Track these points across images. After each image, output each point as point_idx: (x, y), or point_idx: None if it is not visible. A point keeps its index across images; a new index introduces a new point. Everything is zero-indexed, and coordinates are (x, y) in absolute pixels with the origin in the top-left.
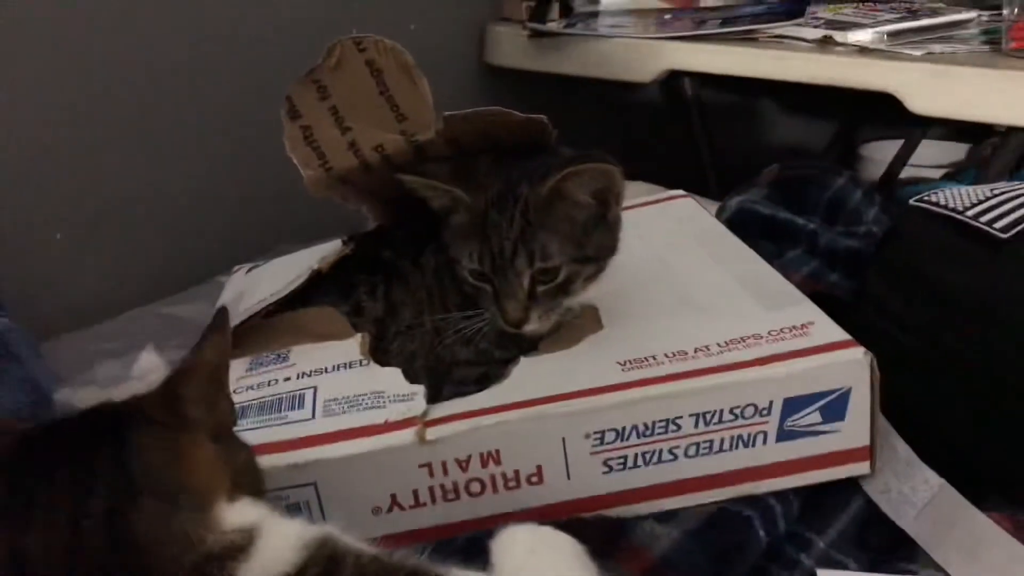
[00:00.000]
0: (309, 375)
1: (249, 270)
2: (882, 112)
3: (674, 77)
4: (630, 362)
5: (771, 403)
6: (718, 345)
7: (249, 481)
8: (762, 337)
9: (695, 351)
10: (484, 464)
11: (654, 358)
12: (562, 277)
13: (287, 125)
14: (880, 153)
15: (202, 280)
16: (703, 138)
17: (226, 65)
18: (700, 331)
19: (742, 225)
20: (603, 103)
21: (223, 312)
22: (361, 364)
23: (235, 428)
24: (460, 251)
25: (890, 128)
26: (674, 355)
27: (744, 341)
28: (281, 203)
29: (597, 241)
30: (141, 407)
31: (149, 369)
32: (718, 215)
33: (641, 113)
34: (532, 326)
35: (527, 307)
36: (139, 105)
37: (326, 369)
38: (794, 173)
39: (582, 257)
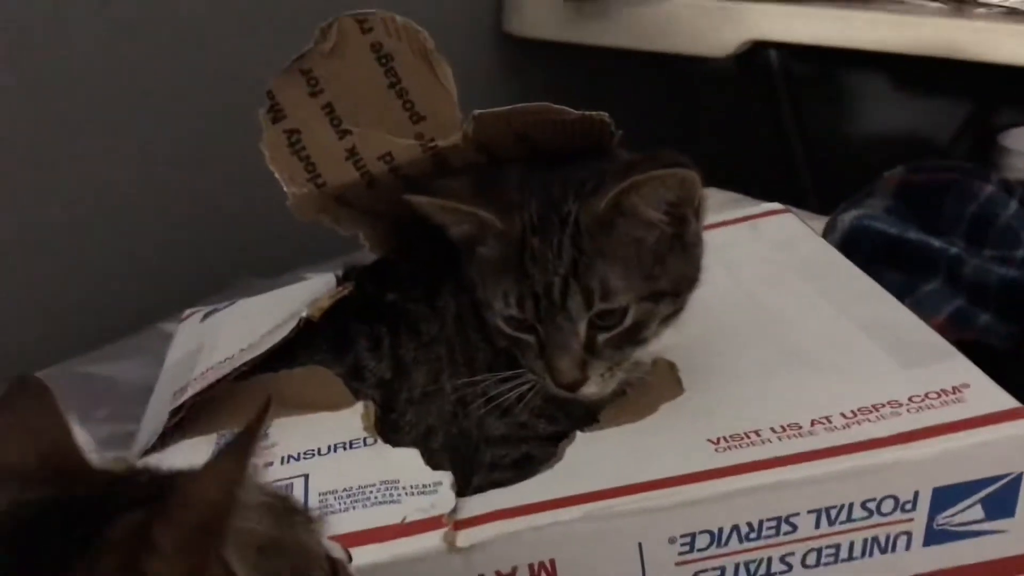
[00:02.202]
0: (297, 459)
1: (205, 316)
2: None
3: (757, 50)
4: (725, 439)
5: (916, 494)
6: (842, 416)
7: None
8: (901, 404)
9: (812, 424)
10: None
11: (757, 434)
12: (630, 321)
13: (268, 129)
14: None
15: (136, 328)
16: (794, 129)
17: (178, 62)
18: (816, 396)
19: (859, 249)
20: (662, 85)
21: (249, 435)
22: (365, 443)
23: None
24: (492, 292)
25: None
26: (784, 429)
27: (877, 410)
28: (240, 225)
29: (673, 270)
30: None
31: None
32: (826, 235)
33: (713, 98)
34: (591, 388)
35: (584, 363)
36: (48, 117)
37: (319, 451)
38: (925, 178)
39: (655, 292)
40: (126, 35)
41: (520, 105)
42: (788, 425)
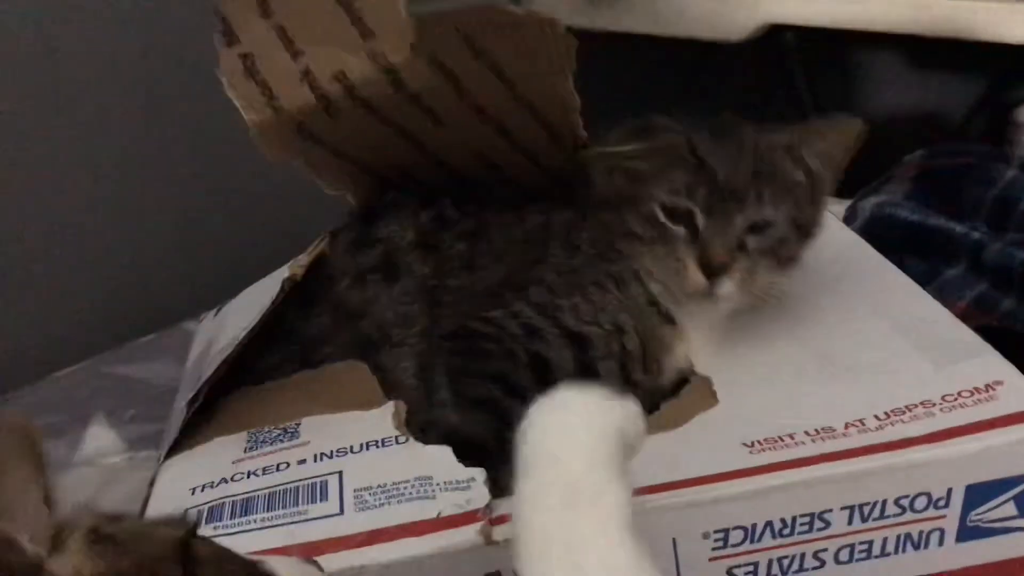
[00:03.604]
0: (330, 456)
1: (217, 312)
2: None
3: (774, 34)
4: (760, 443)
5: (949, 491)
6: (876, 418)
7: None
8: (934, 404)
9: (846, 427)
10: None
11: (791, 437)
12: (776, 235)
13: (223, 55)
14: None
15: (160, 327)
16: (812, 112)
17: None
18: (848, 399)
19: (880, 236)
20: (676, 71)
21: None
22: (398, 442)
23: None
24: (655, 183)
25: None
26: (818, 432)
27: (910, 411)
28: (265, 222)
29: (810, 216)
30: None
31: (101, 450)
32: (847, 222)
33: (728, 83)
34: (728, 286)
35: (734, 251)
36: (74, 117)
37: (351, 448)
38: (944, 163)
39: (797, 224)
40: (134, 29)
41: (464, 7)
42: (822, 429)
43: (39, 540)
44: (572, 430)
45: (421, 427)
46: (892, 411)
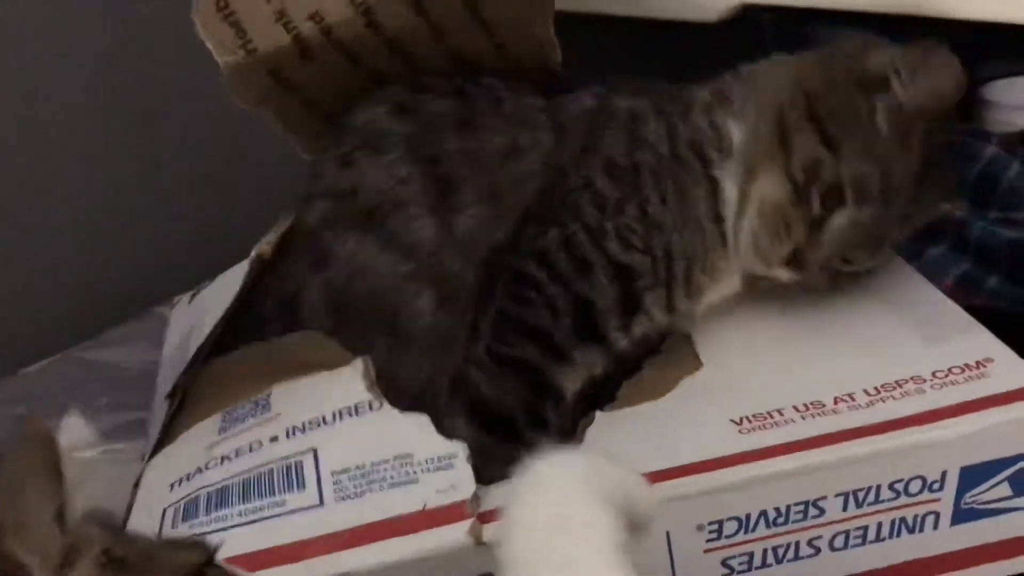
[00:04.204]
0: (303, 430)
1: (192, 297)
2: (1009, 39)
3: (749, 13)
4: (748, 419)
5: (944, 474)
6: (865, 392)
7: None
8: (924, 380)
9: (835, 402)
10: None
11: (780, 412)
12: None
13: None
14: (1013, 94)
15: (133, 313)
16: None
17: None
18: (837, 372)
19: None
20: (651, 52)
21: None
22: (371, 407)
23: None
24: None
25: (1019, 60)
26: (807, 408)
27: (900, 386)
28: (234, 207)
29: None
30: None
31: (76, 442)
32: None
33: (704, 64)
34: (810, 271)
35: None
36: (35, 105)
37: (323, 419)
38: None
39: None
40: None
41: None
42: (811, 403)
43: (49, 562)
44: (571, 477)
45: (451, 380)
46: (882, 386)
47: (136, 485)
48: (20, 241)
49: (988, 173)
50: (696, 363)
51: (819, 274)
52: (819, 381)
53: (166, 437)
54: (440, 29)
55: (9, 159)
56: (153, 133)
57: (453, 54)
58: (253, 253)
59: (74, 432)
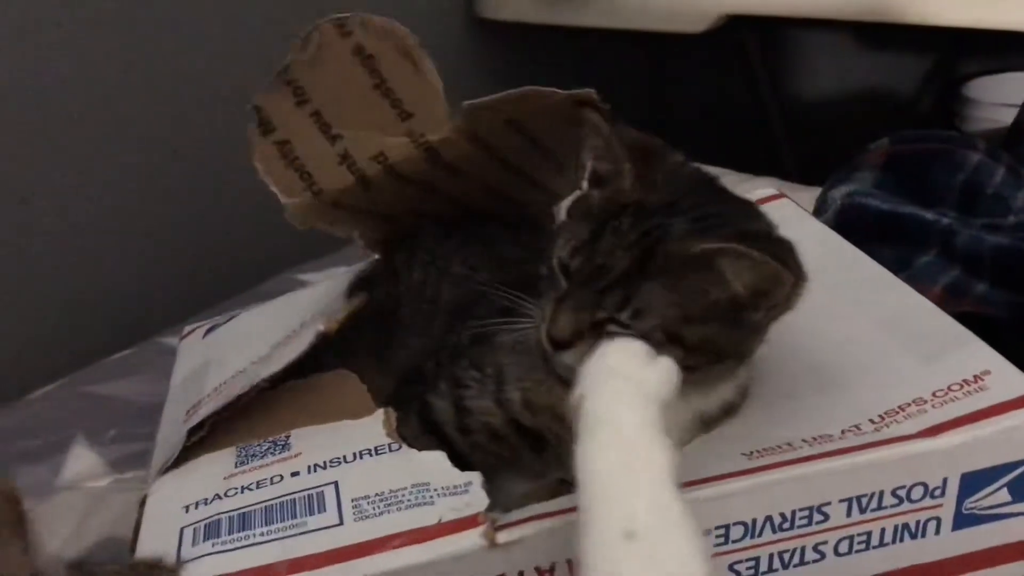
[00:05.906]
0: (324, 467)
1: (207, 332)
2: (988, 38)
3: (733, 25)
4: (759, 452)
5: (945, 481)
6: (871, 422)
7: None
8: (926, 401)
9: (842, 433)
10: (575, 573)
11: (789, 444)
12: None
13: (257, 143)
14: (993, 92)
15: (133, 341)
16: (773, 103)
17: (155, 69)
18: (843, 408)
19: (852, 226)
20: (636, 65)
21: None
22: (391, 449)
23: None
24: (566, 228)
25: (999, 57)
26: (815, 440)
27: (903, 411)
28: (232, 232)
29: (711, 334)
30: None
31: (83, 473)
32: (817, 213)
33: (688, 76)
34: (568, 359)
35: (582, 335)
36: (41, 133)
37: (344, 458)
38: (911, 148)
39: (675, 336)
40: (113, 35)
41: (505, 92)
42: (819, 437)
43: None
44: (623, 397)
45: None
46: (886, 413)
47: (142, 504)
48: (24, 266)
49: (974, 181)
50: None
51: None
52: (826, 417)
53: (176, 462)
54: (497, 153)
55: (12, 193)
56: (158, 171)
57: (501, 161)
58: (321, 327)
59: (81, 461)
